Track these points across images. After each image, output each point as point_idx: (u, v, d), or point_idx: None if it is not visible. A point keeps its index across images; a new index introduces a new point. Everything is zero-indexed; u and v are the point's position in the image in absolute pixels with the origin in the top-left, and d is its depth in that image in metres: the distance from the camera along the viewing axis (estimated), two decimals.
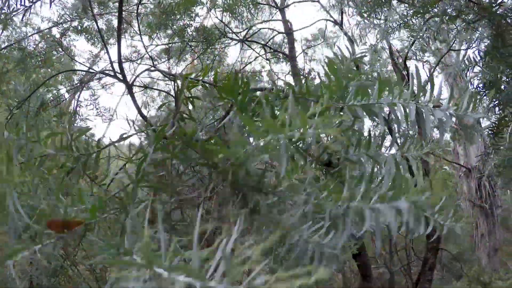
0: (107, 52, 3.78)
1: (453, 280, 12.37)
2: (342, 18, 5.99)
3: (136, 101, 3.77)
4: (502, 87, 3.47)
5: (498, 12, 3.93)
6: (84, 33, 7.62)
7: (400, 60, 6.23)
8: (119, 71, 3.55)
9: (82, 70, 6.48)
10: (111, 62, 3.69)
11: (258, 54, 6.46)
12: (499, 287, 11.36)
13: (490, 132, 3.79)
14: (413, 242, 6.98)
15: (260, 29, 6.41)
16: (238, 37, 5.78)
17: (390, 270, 6.16)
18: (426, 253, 5.30)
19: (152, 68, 5.21)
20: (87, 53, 9.08)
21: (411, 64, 9.75)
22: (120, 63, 3.63)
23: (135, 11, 8.07)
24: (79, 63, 8.33)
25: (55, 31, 7.62)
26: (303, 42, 7.74)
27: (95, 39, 7.75)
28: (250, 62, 6.75)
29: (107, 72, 4.86)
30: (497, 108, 3.41)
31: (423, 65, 8.63)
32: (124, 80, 3.70)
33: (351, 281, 9.66)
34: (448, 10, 4.32)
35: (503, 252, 15.98)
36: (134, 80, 4.16)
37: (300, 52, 6.93)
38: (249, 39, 6.09)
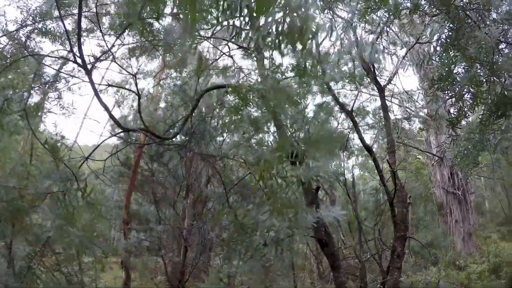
0: (68, 37, 3.73)
1: (429, 265, 12.64)
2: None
3: (96, 89, 3.77)
4: (458, 79, 3.52)
5: (457, 5, 3.99)
6: (49, 35, 7.48)
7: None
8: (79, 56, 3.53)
9: (41, 55, 6.30)
10: (71, 48, 3.63)
11: (221, 51, 6.42)
12: (474, 270, 11.68)
13: (449, 123, 3.85)
14: (380, 233, 7.11)
15: (224, 26, 6.34)
16: (200, 36, 5.71)
17: (360, 259, 6.26)
18: (393, 242, 5.39)
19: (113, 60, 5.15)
20: (55, 53, 8.92)
21: (381, 57, 9.83)
22: (80, 49, 3.59)
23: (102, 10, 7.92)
24: (46, 65, 8.15)
25: (21, 34, 7.47)
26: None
27: (60, 40, 7.61)
28: (217, 59, 6.69)
29: (67, 58, 4.80)
30: (452, 100, 3.47)
31: (391, 58, 8.72)
32: (83, 66, 3.66)
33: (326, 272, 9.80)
34: (407, 4, 4.37)
35: (477, 236, 16.42)
36: (93, 66, 4.14)
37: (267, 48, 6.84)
38: (214, 37, 6.04)
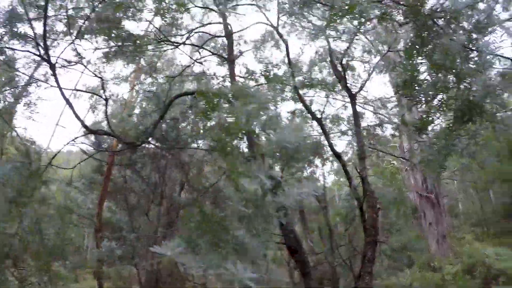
0: (32, 29, 3.66)
1: (405, 268, 12.74)
2: (278, 21, 5.99)
3: (59, 83, 3.73)
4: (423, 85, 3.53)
5: (426, 13, 4.02)
6: (20, 38, 7.30)
7: (338, 61, 6.27)
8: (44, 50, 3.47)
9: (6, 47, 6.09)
10: (35, 39, 3.55)
11: (191, 58, 6.36)
12: (449, 271, 11.79)
13: (415, 129, 3.86)
14: (351, 238, 7.11)
15: (195, 33, 6.32)
16: (171, 42, 5.64)
17: (332, 264, 6.24)
18: (364, 247, 5.39)
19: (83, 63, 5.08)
20: (27, 59, 8.71)
21: (355, 64, 9.92)
22: (45, 42, 3.51)
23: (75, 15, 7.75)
24: (16, 69, 7.92)
25: None
26: (242, 44, 7.66)
27: (31, 44, 7.44)
28: (188, 66, 6.61)
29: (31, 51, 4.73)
30: (418, 105, 3.47)
31: (364, 65, 8.77)
32: (48, 59, 3.60)
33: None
34: (376, 12, 4.38)
35: (451, 238, 16.68)
36: (57, 59, 4.09)
37: (239, 55, 6.85)
38: (186, 43, 5.98)
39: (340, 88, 6.27)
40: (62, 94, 3.58)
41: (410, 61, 3.36)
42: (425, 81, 3.47)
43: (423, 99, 3.37)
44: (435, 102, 3.81)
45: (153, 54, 6.16)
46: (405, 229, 15.48)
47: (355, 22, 4.04)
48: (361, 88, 6.26)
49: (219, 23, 6.53)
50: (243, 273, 2.43)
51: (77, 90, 6.05)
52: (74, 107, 3.94)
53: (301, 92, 6.18)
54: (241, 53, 6.93)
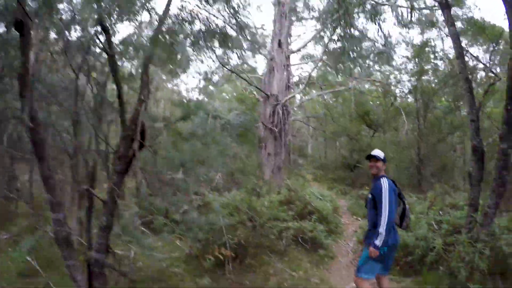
0: None
1: (232, 190, 12.64)
2: None
3: None
4: None
5: None
6: None
7: None
8: None
9: None
10: None
11: None
12: (269, 199, 11.85)
13: None
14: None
15: None
16: None
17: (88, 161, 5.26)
18: (119, 143, 4.45)
19: None
20: None
21: None
22: None
23: None
24: None
25: None
26: None
27: None
28: None
29: None
30: None
31: None
32: None
33: None
34: None
35: (291, 172, 17.19)
36: None
37: None
38: None
39: None
40: None
41: None
42: None
43: None
44: None
45: None
46: (250, 155, 15.43)
47: None
48: None
49: None
50: None
51: None
52: None
53: None
54: None
